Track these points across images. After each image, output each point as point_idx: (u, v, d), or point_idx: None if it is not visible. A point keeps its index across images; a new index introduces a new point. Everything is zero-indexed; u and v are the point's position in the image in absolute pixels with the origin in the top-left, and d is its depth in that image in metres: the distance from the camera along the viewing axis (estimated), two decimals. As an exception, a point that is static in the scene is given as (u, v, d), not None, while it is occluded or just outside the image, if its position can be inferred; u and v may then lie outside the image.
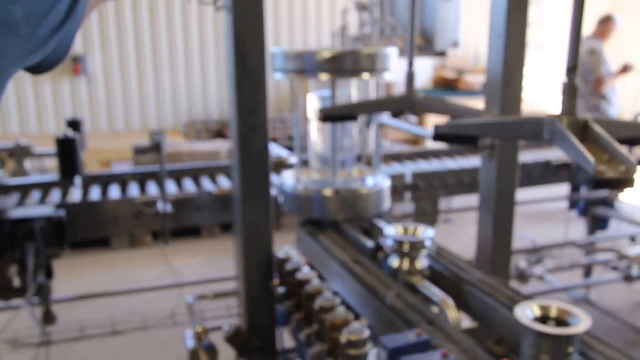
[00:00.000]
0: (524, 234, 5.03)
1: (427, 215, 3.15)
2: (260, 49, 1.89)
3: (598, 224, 4.49)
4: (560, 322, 1.15)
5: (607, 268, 4.25)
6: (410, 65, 1.90)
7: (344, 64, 1.96)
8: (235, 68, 1.89)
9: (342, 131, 2.27)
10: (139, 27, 8.20)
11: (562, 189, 4.18)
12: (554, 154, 3.71)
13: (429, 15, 7.64)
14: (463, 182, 3.22)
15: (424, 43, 7.69)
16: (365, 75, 2.03)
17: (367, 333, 1.36)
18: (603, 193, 4.20)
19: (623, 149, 1.03)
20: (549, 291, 3.99)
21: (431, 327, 1.42)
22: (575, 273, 4.51)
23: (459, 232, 5.89)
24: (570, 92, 1.20)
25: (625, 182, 0.97)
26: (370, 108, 1.96)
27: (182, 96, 8.61)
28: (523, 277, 3.91)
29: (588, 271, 4.52)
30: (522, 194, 4.19)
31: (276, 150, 2.99)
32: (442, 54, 8.13)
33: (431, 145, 3.81)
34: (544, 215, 6.58)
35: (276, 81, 8.62)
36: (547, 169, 3.52)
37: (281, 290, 1.93)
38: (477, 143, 1.28)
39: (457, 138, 1.30)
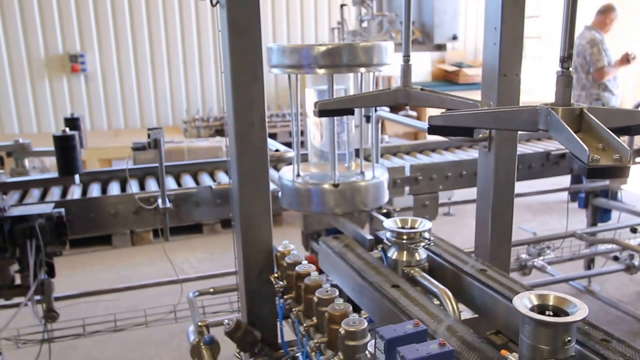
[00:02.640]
0: (524, 226, 5.03)
1: (427, 208, 3.15)
2: (256, 43, 1.89)
3: (599, 214, 4.48)
4: (558, 311, 1.15)
5: (608, 258, 4.25)
6: (406, 57, 1.90)
7: (340, 58, 1.96)
8: (231, 63, 1.89)
9: (340, 125, 2.27)
10: (137, 24, 8.18)
11: (563, 180, 4.17)
12: (554, 145, 3.71)
13: (428, 9, 7.62)
14: (462, 175, 3.22)
15: (423, 37, 7.68)
16: (362, 69, 2.02)
17: (365, 324, 1.37)
18: (603, 184, 4.20)
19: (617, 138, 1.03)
20: (550, 282, 3.98)
21: (430, 318, 1.42)
22: (577, 264, 4.51)
23: (459, 225, 5.89)
24: (564, 81, 1.20)
25: (619, 169, 0.97)
26: (365, 101, 1.96)
27: (181, 93, 8.60)
28: (524, 268, 3.91)
29: (589, 262, 4.52)
30: (523, 186, 4.19)
31: (274, 145, 2.99)
32: (441, 48, 8.11)
33: (430, 139, 3.80)
34: (544, 206, 6.58)
35: (276, 77, 8.61)
36: (546, 160, 3.52)
37: (281, 283, 1.94)
38: (472, 134, 1.27)
39: (452, 129, 1.30)
